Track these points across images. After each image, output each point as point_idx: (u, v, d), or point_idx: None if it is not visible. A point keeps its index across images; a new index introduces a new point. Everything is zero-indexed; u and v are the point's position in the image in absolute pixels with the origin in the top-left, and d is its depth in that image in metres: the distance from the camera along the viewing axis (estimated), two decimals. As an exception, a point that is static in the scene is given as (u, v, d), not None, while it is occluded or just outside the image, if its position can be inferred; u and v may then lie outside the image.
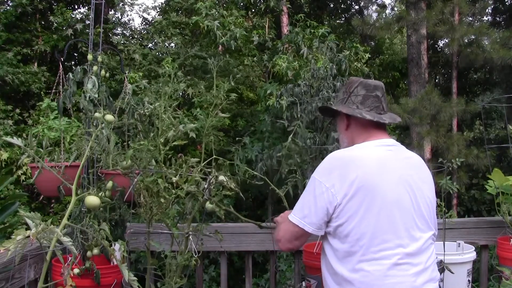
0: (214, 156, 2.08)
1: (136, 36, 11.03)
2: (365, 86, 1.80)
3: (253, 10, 10.65)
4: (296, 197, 2.08)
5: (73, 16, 9.78)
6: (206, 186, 1.98)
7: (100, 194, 2.12)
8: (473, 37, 8.33)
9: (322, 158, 1.79)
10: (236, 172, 2.10)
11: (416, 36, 8.61)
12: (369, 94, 1.78)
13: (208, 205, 2.04)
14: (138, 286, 1.80)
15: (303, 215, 1.67)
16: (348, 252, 1.60)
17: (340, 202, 1.60)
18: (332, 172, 1.63)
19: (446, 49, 10.45)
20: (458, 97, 8.56)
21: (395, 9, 11.46)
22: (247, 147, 7.50)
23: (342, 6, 13.08)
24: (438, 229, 1.82)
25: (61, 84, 2.87)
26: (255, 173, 2.33)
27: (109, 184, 2.32)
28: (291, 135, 2.57)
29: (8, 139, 1.84)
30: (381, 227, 1.58)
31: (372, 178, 1.60)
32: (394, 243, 1.58)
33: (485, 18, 10.31)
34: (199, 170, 2.05)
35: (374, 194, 1.58)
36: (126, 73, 3.14)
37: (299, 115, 2.91)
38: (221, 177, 2.01)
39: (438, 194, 2.81)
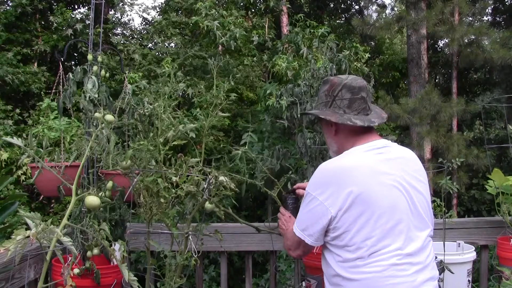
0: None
1: (136, 36, 11.04)
2: (350, 88, 1.75)
3: (253, 10, 10.66)
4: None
5: (73, 16, 9.79)
6: (205, 186, 1.98)
7: (100, 194, 2.12)
8: (473, 37, 8.33)
9: (322, 158, 1.79)
10: (233, 174, 2.09)
11: (416, 36, 8.61)
12: (354, 97, 1.75)
13: (208, 205, 2.04)
14: (138, 286, 1.80)
15: (302, 227, 1.71)
16: (347, 258, 1.61)
17: (335, 215, 1.60)
18: (324, 186, 1.63)
19: (446, 49, 10.45)
20: (458, 97, 8.57)
21: (395, 9, 11.48)
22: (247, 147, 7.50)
23: (342, 6, 13.09)
24: (439, 229, 1.82)
25: (61, 84, 2.87)
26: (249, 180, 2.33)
27: (109, 184, 2.32)
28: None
29: (8, 139, 1.84)
30: (379, 234, 1.58)
31: (366, 188, 1.59)
32: (392, 246, 1.58)
33: (485, 18, 10.31)
34: (198, 170, 2.05)
35: (369, 204, 1.58)
36: (126, 73, 3.14)
37: (298, 115, 2.90)
38: (221, 178, 2.01)
39: (438, 194, 2.81)
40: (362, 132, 1.75)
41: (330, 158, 1.79)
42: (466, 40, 8.12)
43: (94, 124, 2.41)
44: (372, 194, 1.59)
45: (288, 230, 1.87)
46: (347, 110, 1.75)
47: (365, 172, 1.63)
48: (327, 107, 1.78)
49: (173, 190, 2.04)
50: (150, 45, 10.05)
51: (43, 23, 10.18)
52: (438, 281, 1.72)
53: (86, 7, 10.79)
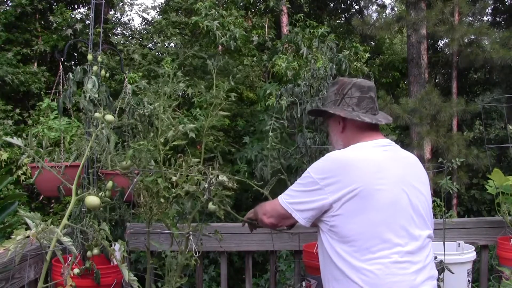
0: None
1: (135, 36, 11.03)
2: (359, 87, 1.80)
3: (253, 10, 10.65)
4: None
5: (73, 16, 9.79)
6: (206, 186, 1.98)
7: (100, 194, 2.11)
8: (473, 37, 8.33)
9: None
10: (234, 173, 2.10)
11: (416, 36, 8.61)
12: (363, 95, 1.79)
13: (211, 206, 2.04)
14: (138, 286, 1.80)
15: (292, 201, 1.71)
16: (347, 251, 1.60)
17: (333, 202, 1.61)
18: (329, 172, 1.64)
19: (446, 49, 10.45)
20: (458, 97, 8.57)
21: (395, 9, 11.47)
22: (247, 147, 7.51)
23: (342, 6, 13.09)
24: (439, 229, 1.83)
25: (61, 84, 2.87)
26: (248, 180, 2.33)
27: (109, 184, 2.31)
28: (270, 134, 2.55)
29: (8, 139, 1.84)
30: (379, 228, 1.58)
31: (370, 181, 1.60)
32: (392, 242, 1.58)
33: (485, 18, 10.31)
34: (198, 169, 2.04)
35: (372, 197, 1.59)
36: (126, 73, 3.14)
37: (298, 115, 2.90)
38: (221, 177, 2.01)
39: (438, 194, 2.81)
40: (368, 130, 1.79)
41: None
42: (466, 40, 8.12)
43: (94, 124, 2.41)
44: (376, 188, 1.60)
45: (268, 203, 1.88)
46: (355, 108, 1.78)
47: (371, 165, 1.65)
48: (336, 105, 1.82)
49: (173, 190, 2.04)
50: (150, 45, 10.04)
51: (43, 23, 10.17)
52: (438, 281, 1.72)
53: (86, 7, 10.78)
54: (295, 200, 1.70)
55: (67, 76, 2.74)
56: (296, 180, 1.77)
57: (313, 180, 1.65)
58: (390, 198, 1.61)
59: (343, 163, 1.65)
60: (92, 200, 1.93)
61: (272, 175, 2.32)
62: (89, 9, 9.05)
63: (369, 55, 9.02)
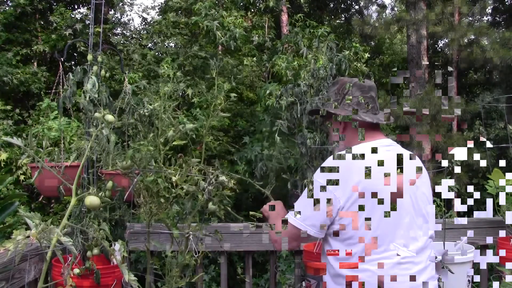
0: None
1: (135, 36, 11.03)
2: (360, 87, 1.80)
3: (253, 10, 10.65)
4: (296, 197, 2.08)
5: (73, 16, 9.79)
6: (206, 186, 1.98)
7: (100, 194, 2.11)
8: (473, 37, 8.34)
9: (322, 158, 1.79)
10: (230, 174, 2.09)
11: (416, 36, 8.61)
12: (364, 95, 1.79)
13: (211, 206, 2.04)
14: (138, 286, 1.80)
15: (304, 217, 1.66)
16: (350, 253, 1.60)
17: (343, 205, 1.60)
18: (334, 175, 1.63)
19: (446, 49, 10.45)
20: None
21: (395, 9, 11.47)
22: (247, 147, 7.51)
23: (342, 6, 13.10)
24: (439, 229, 1.83)
25: (61, 84, 2.87)
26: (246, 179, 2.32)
27: (109, 184, 2.31)
28: (276, 134, 2.55)
29: (8, 139, 1.83)
30: (383, 228, 1.58)
31: (374, 182, 1.60)
32: (395, 243, 1.58)
33: (485, 18, 10.31)
34: (198, 170, 2.04)
35: (375, 197, 1.59)
36: (126, 73, 3.13)
37: (298, 115, 2.90)
38: (222, 177, 2.00)
39: (438, 194, 2.81)
40: (369, 130, 1.78)
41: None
42: (466, 40, 8.13)
43: (94, 124, 2.41)
44: (379, 188, 1.59)
45: (272, 216, 1.85)
46: (356, 107, 1.77)
47: (374, 165, 1.64)
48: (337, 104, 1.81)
49: (173, 190, 2.04)
50: (149, 45, 10.04)
51: (42, 23, 10.17)
52: (438, 281, 1.72)
53: (86, 7, 10.78)
54: (308, 214, 1.66)
55: (67, 76, 2.73)
56: (295, 181, 1.76)
57: (321, 185, 1.64)
58: (393, 199, 1.61)
59: (345, 163, 1.65)
60: (92, 200, 1.93)
61: (277, 174, 2.32)
62: (89, 9, 9.05)
63: (369, 55, 9.03)
